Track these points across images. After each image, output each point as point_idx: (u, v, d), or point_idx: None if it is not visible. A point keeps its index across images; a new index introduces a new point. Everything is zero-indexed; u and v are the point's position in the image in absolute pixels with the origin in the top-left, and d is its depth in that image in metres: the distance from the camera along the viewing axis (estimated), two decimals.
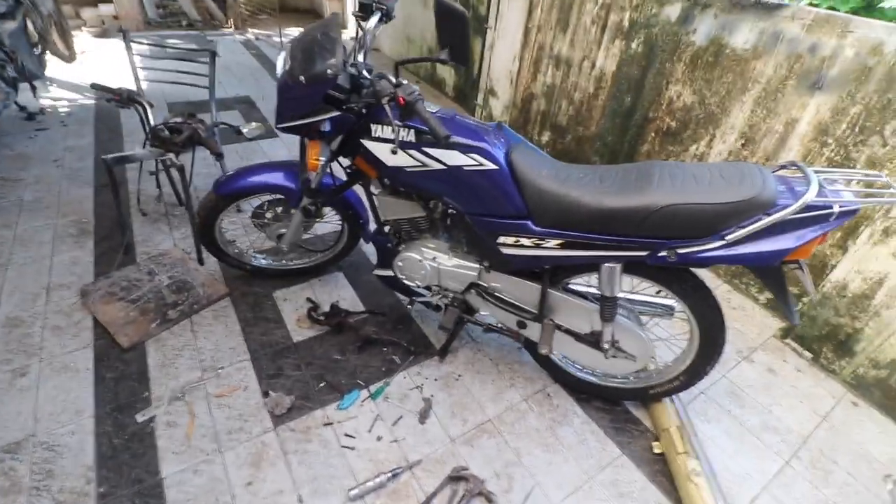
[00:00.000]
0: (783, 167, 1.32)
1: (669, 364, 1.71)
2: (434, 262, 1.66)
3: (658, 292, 1.57)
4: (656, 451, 1.72)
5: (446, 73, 4.70)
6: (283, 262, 2.22)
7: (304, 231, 2.00)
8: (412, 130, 1.38)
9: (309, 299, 2.15)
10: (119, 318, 1.91)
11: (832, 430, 1.90)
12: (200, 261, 2.21)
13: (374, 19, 1.50)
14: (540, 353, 1.53)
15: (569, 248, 1.38)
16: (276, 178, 1.79)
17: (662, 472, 1.67)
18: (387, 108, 1.22)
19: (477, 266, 1.62)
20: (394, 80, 1.28)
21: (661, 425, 1.75)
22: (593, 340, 1.60)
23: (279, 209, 1.96)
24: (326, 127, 1.45)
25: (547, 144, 3.57)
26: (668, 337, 2.01)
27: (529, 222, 1.40)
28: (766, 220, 1.15)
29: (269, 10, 6.61)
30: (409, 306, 1.90)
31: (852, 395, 2.07)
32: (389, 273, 1.80)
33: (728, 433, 1.84)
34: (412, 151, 1.39)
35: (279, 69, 1.41)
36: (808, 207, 1.13)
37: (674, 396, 1.80)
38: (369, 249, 2.51)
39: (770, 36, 2.11)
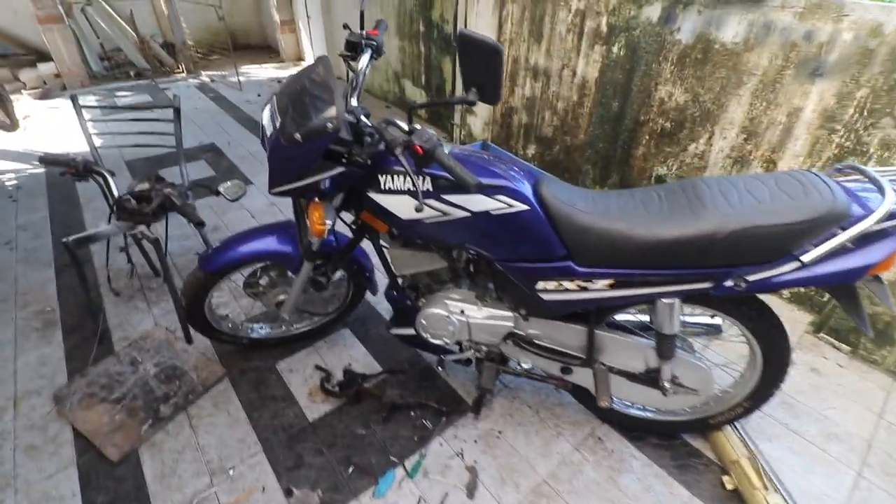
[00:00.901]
0: (838, 170, 1.21)
1: (729, 390, 1.57)
2: (462, 316, 1.48)
3: (713, 316, 1.44)
4: (728, 486, 1.57)
5: (416, 94, 4.57)
6: (284, 328, 2.00)
7: (304, 294, 1.80)
8: (427, 178, 1.21)
9: (318, 367, 1.93)
10: (103, 424, 1.65)
11: (892, 429, 1.80)
12: (188, 339, 1.97)
13: (365, 57, 1.33)
14: (600, 407, 1.36)
15: (620, 288, 1.24)
16: (270, 244, 1.59)
17: None
18: (401, 158, 1.06)
19: (512, 314, 1.46)
20: (405, 125, 1.12)
21: (727, 457, 1.61)
22: (650, 379, 1.45)
23: (274, 274, 1.76)
24: (326, 184, 1.26)
25: (534, 157, 3.47)
26: (724, 362, 1.87)
27: (571, 263, 1.25)
28: (846, 235, 1.03)
29: (220, 49, 6.37)
30: (438, 368, 1.72)
31: None
32: (410, 331, 1.61)
33: (792, 450, 1.71)
34: (431, 201, 1.22)
35: (266, 126, 1.22)
36: (890, 215, 1.01)
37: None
38: (374, 299, 2.31)
39: (761, 27, 2.05)
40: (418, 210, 1.04)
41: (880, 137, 1.85)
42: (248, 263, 1.61)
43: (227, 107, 4.76)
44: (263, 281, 1.77)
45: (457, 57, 0.98)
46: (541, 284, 1.30)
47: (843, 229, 1.04)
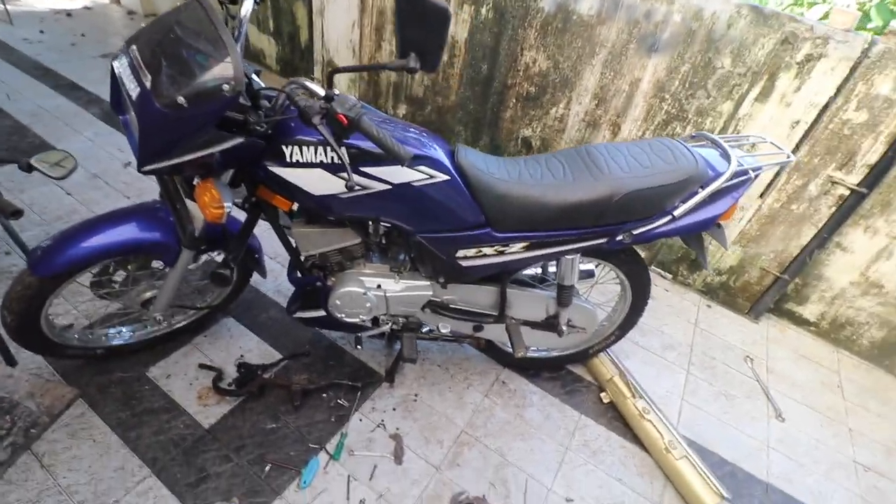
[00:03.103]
0: (693, 137, 1.46)
1: (604, 323, 1.86)
2: (379, 291, 1.43)
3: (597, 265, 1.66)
4: (605, 400, 1.89)
5: (264, 41, 4.02)
6: (150, 328, 1.67)
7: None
8: (342, 148, 1.10)
9: (203, 366, 1.69)
10: None
11: (703, 334, 2.37)
12: (9, 360, 1.53)
13: (247, 2, 1.11)
14: (517, 357, 1.48)
15: (534, 249, 1.33)
16: (132, 233, 1.27)
17: (615, 417, 1.85)
18: (321, 129, 0.94)
19: (429, 283, 1.46)
20: (319, 89, 0.98)
21: (602, 376, 1.92)
22: (550, 325, 1.62)
23: (133, 268, 1.44)
24: (216, 159, 1.05)
25: (405, 117, 3.40)
26: (599, 302, 2.16)
27: (490, 230, 1.30)
28: (705, 193, 1.27)
29: None
30: (357, 347, 1.64)
31: (705, 300, 2.60)
32: (319, 314, 1.51)
33: (644, 362, 2.13)
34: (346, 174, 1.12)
35: (127, 84, 0.95)
36: (733, 175, 1.28)
37: None
38: (256, 279, 2.07)
39: (611, 3, 2.29)
40: (350, 188, 0.94)
41: (696, 106, 2.27)
42: (101, 259, 1.27)
43: None
44: (119, 277, 1.44)
45: (395, 18, 0.88)
46: (461, 252, 1.32)
47: (703, 188, 1.28)
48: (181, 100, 0.89)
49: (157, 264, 1.50)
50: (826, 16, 3.25)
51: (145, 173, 1.00)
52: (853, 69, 1.87)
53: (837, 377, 2.27)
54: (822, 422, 2.03)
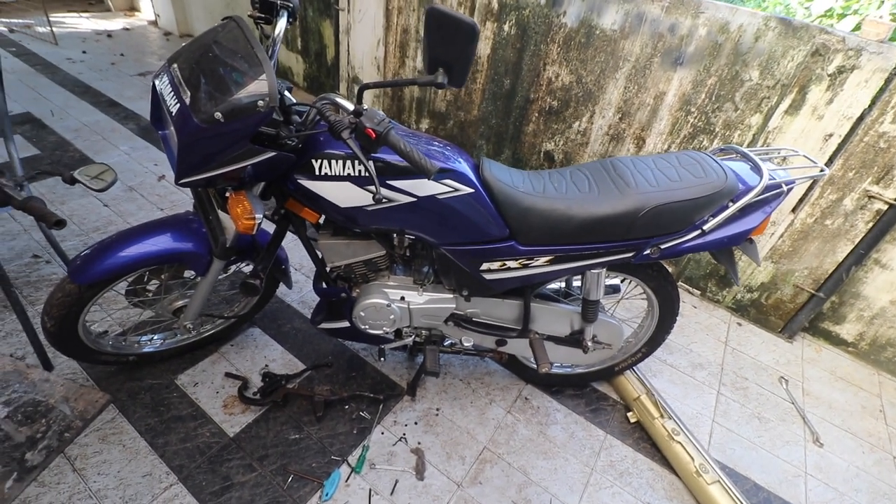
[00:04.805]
0: (721, 150, 1.44)
1: (630, 340, 1.82)
2: (403, 303, 1.44)
3: (622, 279, 1.63)
4: (632, 420, 1.84)
5: (292, 59, 4.16)
6: (180, 336, 1.71)
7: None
8: (370, 162, 1.12)
9: (230, 374, 1.72)
10: None
11: (734, 353, 2.29)
12: (47, 364, 1.58)
13: (281, 22, 1.16)
14: (540, 373, 1.46)
15: (558, 263, 1.32)
16: (167, 243, 1.31)
17: (643, 438, 1.80)
18: (350, 143, 0.96)
19: (453, 296, 1.46)
20: (348, 104, 1.01)
21: (629, 395, 1.87)
22: (574, 340, 1.60)
23: (166, 277, 1.48)
24: (248, 172, 1.09)
25: (428, 131, 3.45)
26: (625, 318, 2.13)
27: (514, 243, 1.29)
28: (735, 207, 1.24)
29: None
30: (380, 359, 1.64)
31: (735, 317, 2.52)
32: (343, 325, 1.52)
33: (671, 381, 2.07)
34: (372, 187, 1.14)
35: (168, 101, 0.99)
36: (765, 189, 1.25)
37: None
38: (282, 290, 2.11)
39: (634, 17, 2.30)
40: (377, 201, 0.96)
41: (723, 119, 2.24)
42: (137, 269, 1.32)
43: (41, 66, 3.74)
44: (153, 286, 1.48)
45: (424, 35, 0.90)
46: (485, 265, 1.32)
47: (733, 202, 1.25)
48: (218, 115, 0.92)
49: (188, 274, 1.54)
50: (858, 27, 3.18)
51: (182, 185, 1.04)
52: (888, 81, 1.81)
53: (879, 401, 2.16)
54: (864, 448, 1.93)
